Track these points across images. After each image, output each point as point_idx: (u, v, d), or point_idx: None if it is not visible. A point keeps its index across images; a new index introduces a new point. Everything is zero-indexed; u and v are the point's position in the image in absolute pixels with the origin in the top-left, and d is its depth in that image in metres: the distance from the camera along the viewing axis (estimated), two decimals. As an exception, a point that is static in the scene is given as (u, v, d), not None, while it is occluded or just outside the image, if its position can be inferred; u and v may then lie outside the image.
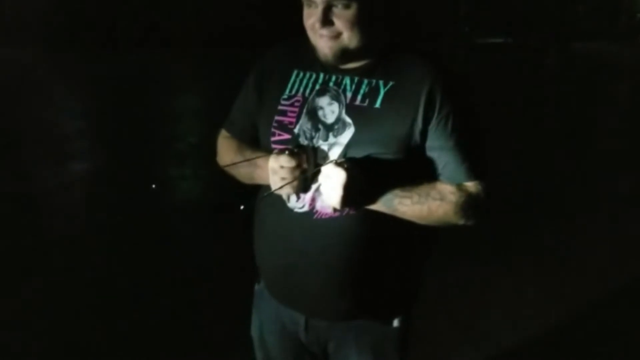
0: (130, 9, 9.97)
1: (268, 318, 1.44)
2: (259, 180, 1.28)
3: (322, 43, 1.16)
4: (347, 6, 1.11)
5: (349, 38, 1.14)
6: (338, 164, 1.11)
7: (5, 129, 5.53)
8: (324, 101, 1.21)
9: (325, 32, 1.14)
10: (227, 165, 1.32)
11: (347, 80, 1.21)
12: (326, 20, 1.12)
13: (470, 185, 1.18)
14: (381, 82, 1.19)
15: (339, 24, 1.13)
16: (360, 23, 1.13)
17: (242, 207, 1.16)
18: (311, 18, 1.15)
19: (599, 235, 3.62)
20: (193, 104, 7.20)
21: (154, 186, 2.30)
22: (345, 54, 1.17)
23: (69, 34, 9.46)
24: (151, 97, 7.15)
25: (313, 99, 1.22)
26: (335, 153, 1.18)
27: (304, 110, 1.22)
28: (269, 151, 1.22)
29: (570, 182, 4.53)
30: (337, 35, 1.14)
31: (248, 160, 1.27)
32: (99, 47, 9.02)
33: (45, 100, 6.69)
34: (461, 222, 1.19)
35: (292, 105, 1.24)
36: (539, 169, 4.78)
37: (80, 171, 4.72)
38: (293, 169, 1.14)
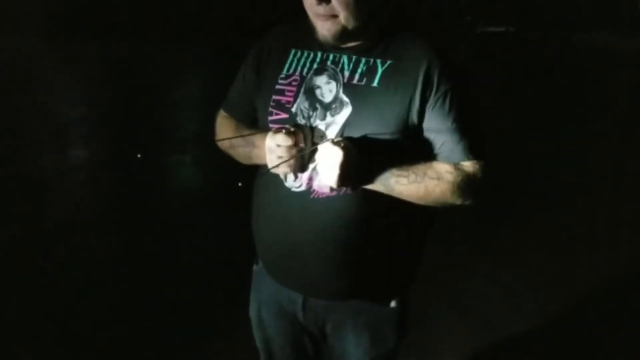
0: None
1: (266, 299, 1.45)
2: (257, 159, 1.28)
3: (321, 24, 1.15)
4: None
5: (346, 18, 1.13)
6: (335, 142, 1.11)
7: (7, 117, 5.53)
8: (321, 80, 1.20)
9: (321, 10, 1.12)
10: (221, 140, 1.33)
11: (344, 59, 1.20)
12: None
13: (468, 165, 1.18)
14: (379, 61, 1.18)
15: (335, 2, 1.11)
16: (356, 2, 1.11)
17: (240, 184, 1.16)
18: None
19: (601, 221, 3.63)
20: (194, 92, 7.20)
21: (139, 156, 2.31)
22: (344, 35, 1.16)
23: (70, 23, 9.43)
24: (152, 85, 7.14)
25: (311, 78, 1.22)
26: (332, 132, 1.18)
27: (302, 90, 1.22)
28: (266, 130, 1.22)
29: (570, 169, 4.54)
30: (334, 15, 1.13)
31: (243, 136, 1.27)
32: (100, 36, 8.99)
33: (47, 88, 6.68)
34: (458, 202, 1.19)
35: (289, 84, 1.23)
36: (539, 155, 4.79)
37: (82, 158, 4.73)
38: (290, 148, 1.14)
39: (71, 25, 9.42)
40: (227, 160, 1.38)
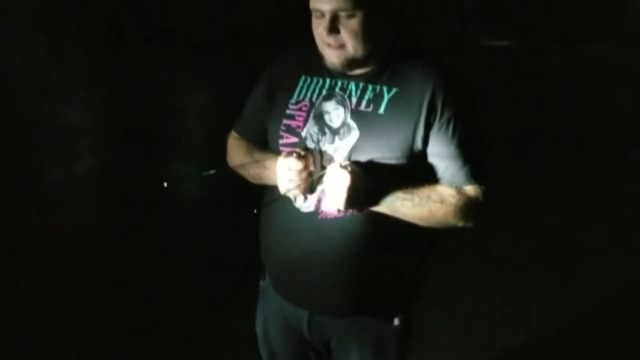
0: (138, 6, 10.02)
1: (272, 314, 1.49)
2: (267, 180, 1.33)
3: (330, 52, 1.21)
4: (351, 16, 1.16)
5: (353, 48, 1.19)
6: (343, 166, 1.16)
7: (13, 126, 5.59)
8: (330, 106, 1.26)
9: (331, 40, 1.18)
10: (237, 166, 1.38)
11: (352, 86, 1.26)
12: (333, 28, 1.17)
13: (470, 189, 1.23)
14: (385, 88, 1.24)
15: (344, 33, 1.17)
16: (364, 33, 1.17)
17: (255, 211, 1.21)
18: (319, 27, 1.20)
19: (603, 236, 3.65)
20: (199, 101, 7.25)
21: (165, 184, 2.34)
22: (351, 63, 1.22)
23: (77, 31, 9.51)
24: (158, 94, 7.20)
25: (320, 104, 1.27)
26: (340, 156, 1.23)
27: (311, 115, 1.27)
28: (277, 153, 1.27)
29: (572, 182, 4.56)
30: (343, 45, 1.19)
31: (257, 161, 1.32)
32: (107, 45, 9.07)
33: (53, 97, 6.75)
34: (461, 224, 1.24)
35: (299, 109, 1.29)
36: (541, 168, 4.82)
37: (88, 167, 4.76)
38: (300, 171, 1.19)
39: (77, 33, 9.50)
40: (233, 172, 1.42)
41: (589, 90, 8.31)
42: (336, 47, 1.19)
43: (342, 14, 1.16)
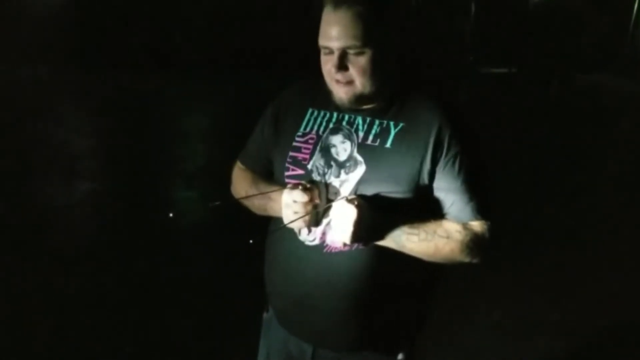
0: (141, 30, 10.14)
1: (275, 346, 1.47)
2: (272, 212, 1.33)
3: (338, 88, 1.22)
4: (360, 53, 1.17)
5: (362, 84, 1.20)
6: (349, 200, 1.16)
7: (16, 147, 5.60)
8: (336, 139, 1.27)
9: (340, 76, 1.20)
10: (242, 197, 1.38)
11: (359, 120, 1.26)
12: (341, 65, 1.18)
13: (476, 225, 1.23)
14: (392, 123, 1.24)
15: (352, 70, 1.19)
16: (372, 69, 1.18)
17: (251, 242, 1.20)
18: (328, 64, 1.21)
19: (600, 265, 3.64)
20: (201, 125, 7.29)
21: (171, 215, 2.33)
22: (359, 99, 1.23)
23: (81, 54, 9.60)
24: (160, 117, 7.24)
25: (326, 137, 1.28)
26: (346, 189, 1.23)
27: (318, 148, 1.28)
28: (282, 185, 1.27)
29: (571, 211, 4.56)
30: (351, 82, 1.20)
31: (262, 193, 1.32)
32: (110, 67, 9.15)
33: (56, 119, 6.78)
34: (466, 260, 1.23)
35: (306, 142, 1.29)
36: (541, 198, 4.82)
37: (89, 190, 4.76)
38: (305, 204, 1.19)
39: (81, 56, 9.59)
40: (237, 203, 1.42)
41: (588, 118, 8.37)
42: (344, 83, 1.20)
43: (351, 51, 1.17)
